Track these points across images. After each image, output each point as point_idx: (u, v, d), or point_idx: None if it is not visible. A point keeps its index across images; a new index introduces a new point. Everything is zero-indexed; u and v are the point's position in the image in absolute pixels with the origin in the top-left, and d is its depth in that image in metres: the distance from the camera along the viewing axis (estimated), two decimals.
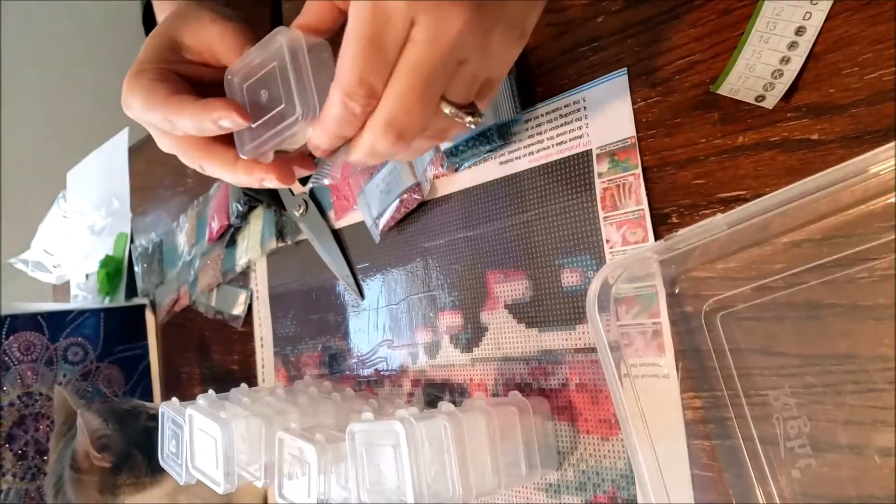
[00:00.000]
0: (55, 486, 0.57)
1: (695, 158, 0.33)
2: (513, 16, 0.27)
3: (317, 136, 0.29)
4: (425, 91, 0.26)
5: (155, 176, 0.84)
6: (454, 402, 0.41)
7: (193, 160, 0.34)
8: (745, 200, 0.31)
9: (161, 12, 0.38)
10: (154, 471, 0.54)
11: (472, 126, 0.29)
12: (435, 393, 0.46)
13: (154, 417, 0.48)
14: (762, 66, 0.31)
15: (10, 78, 1.54)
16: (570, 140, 0.39)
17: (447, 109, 0.28)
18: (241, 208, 0.63)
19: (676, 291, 0.33)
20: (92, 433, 0.53)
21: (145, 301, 0.82)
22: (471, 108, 0.29)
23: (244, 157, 0.31)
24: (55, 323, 0.74)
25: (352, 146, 0.29)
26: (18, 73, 1.55)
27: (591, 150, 0.37)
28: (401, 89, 0.26)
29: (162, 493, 0.55)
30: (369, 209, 0.51)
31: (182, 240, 0.76)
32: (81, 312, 0.76)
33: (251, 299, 0.65)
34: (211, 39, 0.34)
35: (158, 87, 0.33)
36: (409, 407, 0.42)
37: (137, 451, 0.54)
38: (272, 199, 0.60)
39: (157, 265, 0.80)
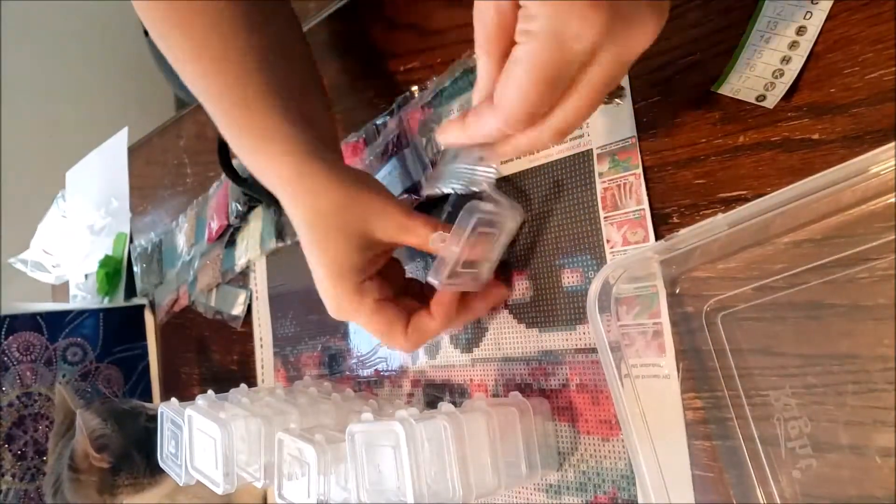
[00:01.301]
0: (53, 485, 0.57)
1: (695, 158, 0.33)
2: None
3: (453, 135, 0.29)
4: (600, 100, 0.26)
5: (154, 176, 0.84)
6: (454, 403, 0.41)
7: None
8: (746, 200, 0.31)
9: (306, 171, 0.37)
10: (153, 471, 0.54)
11: (619, 104, 0.33)
12: (435, 393, 0.46)
13: (153, 418, 0.48)
14: (763, 65, 0.31)
15: (10, 78, 1.54)
16: (571, 140, 0.38)
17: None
18: (240, 208, 0.63)
19: (677, 291, 0.33)
20: (90, 433, 0.53)
21: (144, 301, 0.82)
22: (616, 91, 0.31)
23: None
24: (54, 323, 0.74)
25: (507, 145, 0.29)
26: (18, 74, 1.55)
27: (591, 149, 0.37)
28: (580, 104, 0.26)
29: (161, 494, 0.55)
30: None
31: (181, 240, 0.76)
32: (81, 312, 0.76)
33: (251, 299, 0.65)
34: (398, 233, 0.37)
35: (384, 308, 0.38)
36: (409, 407, 0.42)
37: (136, 452, 0.54)
38: (272, 199, 0.60)
39: (157, 265, 0.80)
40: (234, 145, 0.40)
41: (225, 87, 0.39)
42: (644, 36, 0.24)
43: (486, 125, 0.27)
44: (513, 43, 0.25)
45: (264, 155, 0.38)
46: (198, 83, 0.40)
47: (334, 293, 0.37)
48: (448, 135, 0.30)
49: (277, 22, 0.42)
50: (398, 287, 0.40)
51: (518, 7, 0.24)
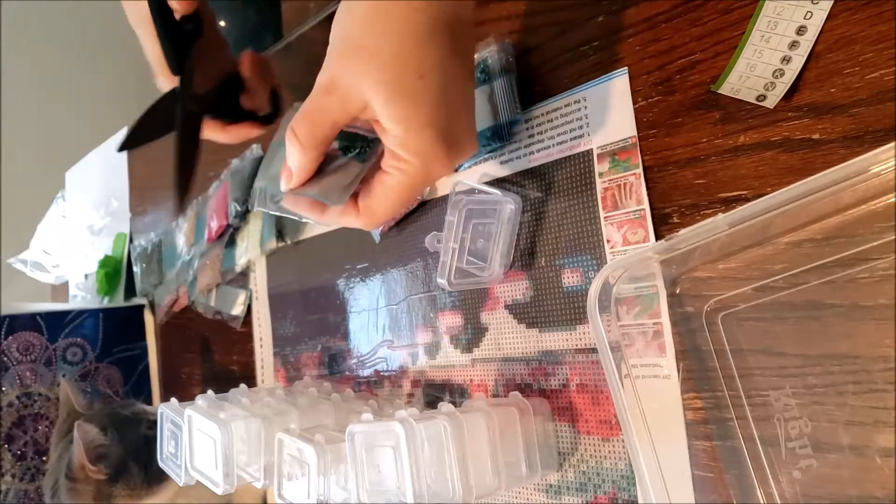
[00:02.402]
0: (52, 487, 0.57)
1: (696, 158, 0.33)
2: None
3: (310, 217, 0.35)
4: None
5: (154, 176, 0.84)
6: (454, 403, 0.41)
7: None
8: (747, 200, 0.31)
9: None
10: (150, 482, 0.54)
11: None
12: (435, 393, 0.46)
13: (154, 424, 0.48)
14: (763, 65, 0.31)
15: (10, 78, 1.53)
16: (571, 140, 0.38)
17: None
18: (239, 208, 0.63)
19: (677, 292, 0.33)
20: (88, 444, 0.53)
21: (144, 301, 0.82)
22: None
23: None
24: (54, 323, 0.74)
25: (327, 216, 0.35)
26: (18, 73, 1.55)
27: (591, 149, 0.37)
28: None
29: (160, 501, 0.55)
30: None
31: (181, 240, 0.76)
32: (80, 313, 0.76)
33: (250, 299, 0.64)
34: None
35: None
36: (409, 408, 0.42)
37: (134, 463, 0.54)
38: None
39: (156, 265, 0.80)
40: None
41: None
42: (466, 159, 0.34)
43: (347, 223, 0.34)
44: (326, 148, 0.32)
45: None
46: None
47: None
48: (306, 214, 0.35)
49: None
50: None
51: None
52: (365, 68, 0.29)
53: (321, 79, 0.31)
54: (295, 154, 0.32)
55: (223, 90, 0.44)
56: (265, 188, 0.37)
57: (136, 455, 0.54)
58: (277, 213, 0.37)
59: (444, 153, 0.30)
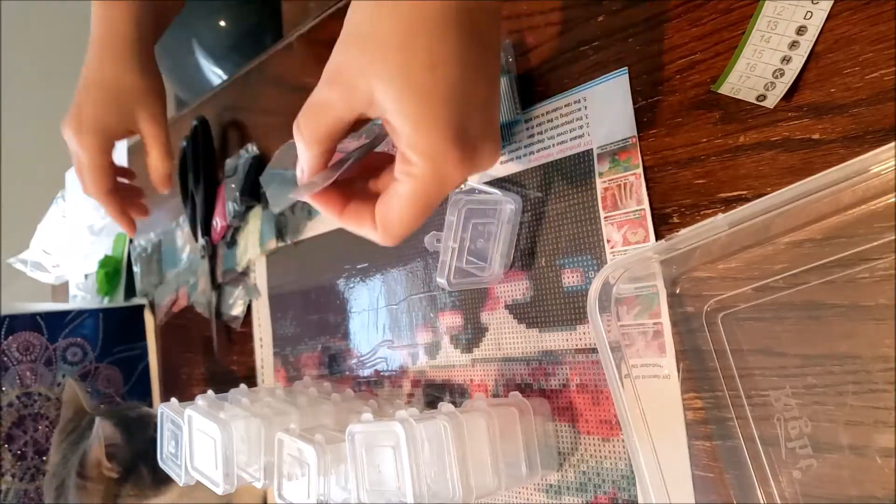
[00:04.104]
0: (56, 488, 0.57)
1: (696, 158, 0.33)
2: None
3: (328, 215, 0.33)
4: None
5: None
6: (454, 403, 0.41)
7: None
8: (747, 200, 0.31)
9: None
10: (157, 484, 0.54)
11: None
12: (435, 394, 0.46)
13: None
14: (763, 65, 0.31)
15: (10, 77, 1.53)
16: (571, 140, 0.38)
17: None
18: (237, 208, 0.63)
19: (677, 292, 0.33)
20: (107, 440, 0.53)
21: (144, 301, 0.82)
22: None
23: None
24: (54, 323, 0.74)
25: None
26: (18, 73, 1.55)
27: (591, 149, 0.37)
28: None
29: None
30: None
31: (181, 240, 0.76)
32: (80, 313, 0.76)
33: (250, 299, 0.64)
34: None
35: None
36: (409, 408, 0.42)
37: (143, 465, 0.54)
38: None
39: (156, 265, 0.80)
40: None
41: None
42: (490, 165, 0.29)
43: (365, 234, 0.31)
44: (335, 144, 0.30)
45: None
46: None
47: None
48: (324, 211, 0.32)
49: None
50: None
51: (355, 122, 0.29)
52: (370, 59, 0.27)
53: (326, 70, 0.29)
54: (300, 150, 0.30)
55: None
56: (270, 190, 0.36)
57: (144, 456, 0.54)
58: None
59: (458, 156, 0.27)
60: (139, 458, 0.54)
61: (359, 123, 0.29)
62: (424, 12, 0.26)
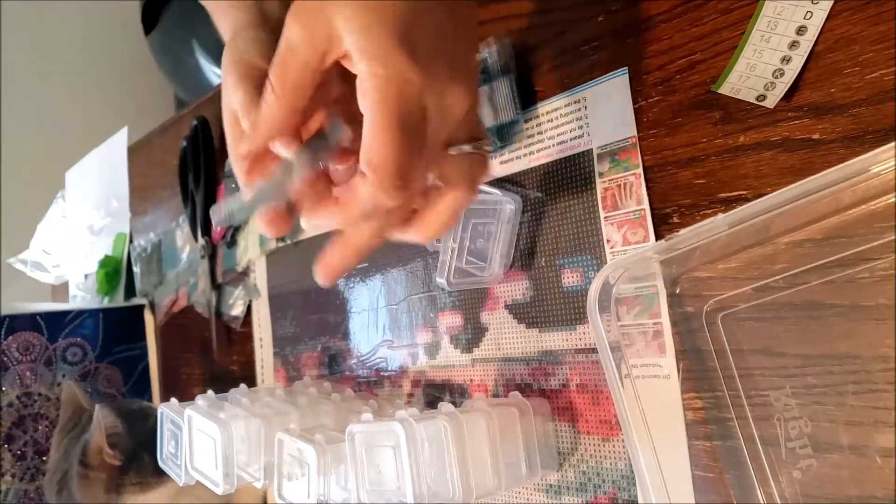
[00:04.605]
0: (59, 482, 0.57)
1: (696, 158, 0.33)
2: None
3: (326, 221, 0.29)
4: (451, 159, 0.29)
5: (154, 176, 0.84)
6: (454, 403, 0.41)
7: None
8: (747, 200, 0.31)
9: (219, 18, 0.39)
10: (159, 472, 0.54)
11: (489, 149, 0.31)
12: (435, 393, 0.46)
13: None
14: (763, 65, 0.31)
15: (10, 77, 1.53)
16: (571, 140, 0.38)
17: (454, 151, 0.29)
18: None
19: (677, 292, 0.33)
20: (107, 428, 0.53)
21: (144, 301, 0.82)
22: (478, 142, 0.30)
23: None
24: (54, 323, 0.74)
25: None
26: (18, 72, 1.55)
27: (591, 149, 0.37)
28: (435, 162, 0.28)
29: (165, 495, 0.55)
30: None
31: (181, 240, 0.76)
32: (80, 313, 0.76)
33: (250, 299, 0.64)
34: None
35: None
36: (409, 408, 0.42)
37: (145, 453, 0.54)
38: None
39: (156, 266, 0.80)
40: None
41: None
42: (457, 106, 0.27)
43: (362, 195, 0.27)
44: (304, 96, 0.27)
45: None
46: None
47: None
48: (320, 221, 0.29)
49: None
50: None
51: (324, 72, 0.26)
52: None
53: (288, 12, 0.27)
54: (270, 107, 0.27)
55: None
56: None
57: (146, 445, 0.54)
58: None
59: (406, 59, 0.25)
60: (141, 446, 0.54)
61: (329, 76, 0.27)
62: None
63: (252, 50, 0.34)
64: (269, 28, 0.36)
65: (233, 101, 0.32)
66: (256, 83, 0.31)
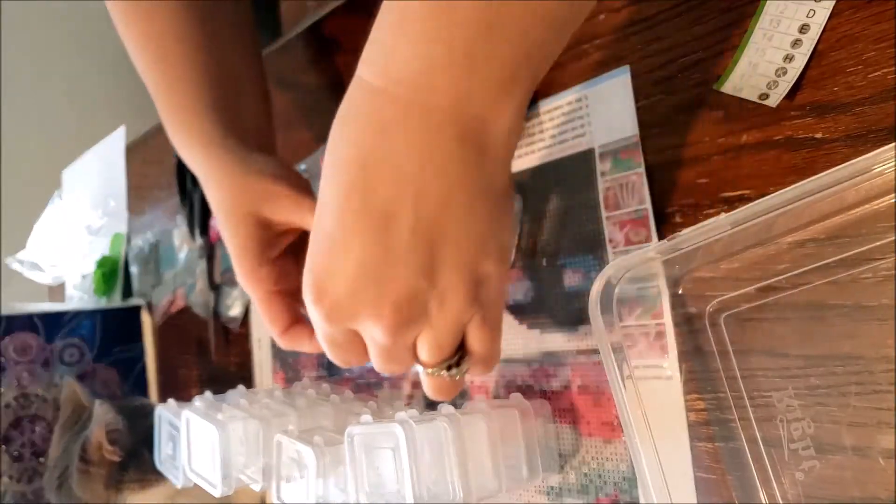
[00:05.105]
0: (59, 478, 0.57)
1: (698, 157, 0.33)
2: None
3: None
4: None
5: (152, 175, 0.84)
6: (454, 405, 0.41)
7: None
8: (749, 200, 0.31)
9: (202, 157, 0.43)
10: (158, 470, 0.54)
11: (457, 377, 0.31)
12: None
13: None
14: (766, 64, 0.30)
15: (7, 76, 1.53)
16: (573, 139, 0.38)
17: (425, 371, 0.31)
18: None
19: (680, 292, 0.33)
20: (107, 424, 0.53)
21: (142, 302, 0.81)
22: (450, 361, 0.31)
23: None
24: (51, 324, 0.74)
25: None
26: (15, 72, 1.55)
27: (593, 148, 0.37)
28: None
29: (163, 494, 0.55)
30: None
31: (179, 241, 0.76)
32: (78, 313, 0.76)
33: (249, 300, 0.64)
34: (290, 213, 0.40)
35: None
36: (409, 409, 0.41)
37: (145, 449, 0.54)
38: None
39: (154, 266, 0.80)
40: (166, 128, 0.46)
41: (162, 82, 0.44)
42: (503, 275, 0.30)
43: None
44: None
45: (179, 142, 0.44)
46: (143, 77, 0.46)
47: (238, 273, 0.41)
48: (266, 321, 0.39)
49: (217, 19, 0.45)
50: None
51: None
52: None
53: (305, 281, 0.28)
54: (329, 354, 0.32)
55: None
56: None
57: (146, 442, 0.54)
58: None
59: (312, 298, 0.28)
60: (140, 443, 0.54)
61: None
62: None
63: (252, 245, 0.40)
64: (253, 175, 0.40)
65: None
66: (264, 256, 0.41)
